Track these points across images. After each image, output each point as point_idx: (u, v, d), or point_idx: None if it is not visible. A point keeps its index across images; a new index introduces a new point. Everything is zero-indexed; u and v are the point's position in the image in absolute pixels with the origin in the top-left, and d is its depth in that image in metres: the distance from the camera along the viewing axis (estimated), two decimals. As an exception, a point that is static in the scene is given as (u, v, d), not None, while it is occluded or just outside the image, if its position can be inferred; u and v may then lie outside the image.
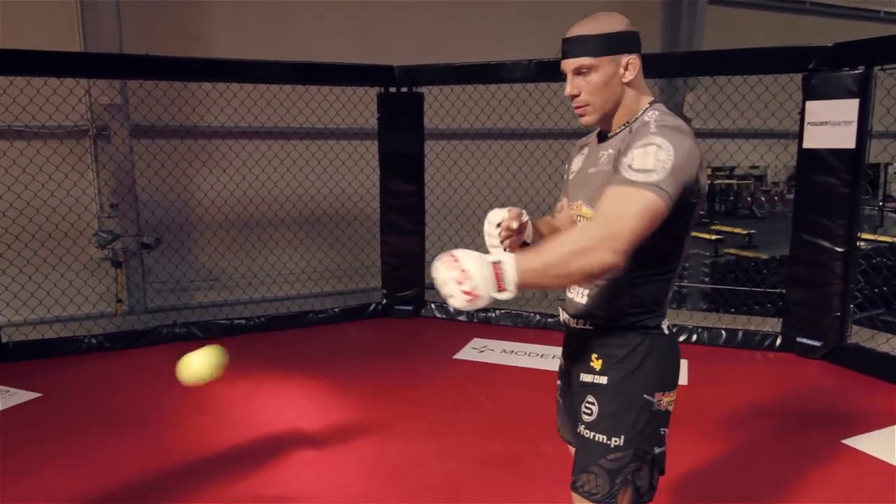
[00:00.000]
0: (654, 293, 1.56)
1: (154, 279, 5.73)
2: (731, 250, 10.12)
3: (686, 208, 1.46)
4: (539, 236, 1.74)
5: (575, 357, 1.67)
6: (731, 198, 16.39)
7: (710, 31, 7.13)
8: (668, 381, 1.60)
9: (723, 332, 4.57)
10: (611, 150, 1.54)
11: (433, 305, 5.37)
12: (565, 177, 1.78)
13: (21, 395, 3.75)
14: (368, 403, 3.65)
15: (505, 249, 1.63)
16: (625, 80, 1.51)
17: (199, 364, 1.93)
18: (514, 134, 5.91)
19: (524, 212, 1.68)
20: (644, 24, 6.57)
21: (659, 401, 1.57)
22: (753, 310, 6.79)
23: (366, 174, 5.55)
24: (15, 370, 4.15)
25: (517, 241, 1.66)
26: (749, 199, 16.05)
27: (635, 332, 1.57)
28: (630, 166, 1.37)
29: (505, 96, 5.40)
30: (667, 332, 1.61)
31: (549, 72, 4.35)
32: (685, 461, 2.91)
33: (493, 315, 5.16)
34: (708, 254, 7.82)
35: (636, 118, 1.53)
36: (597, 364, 1.60)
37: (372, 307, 5.37)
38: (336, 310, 5.27)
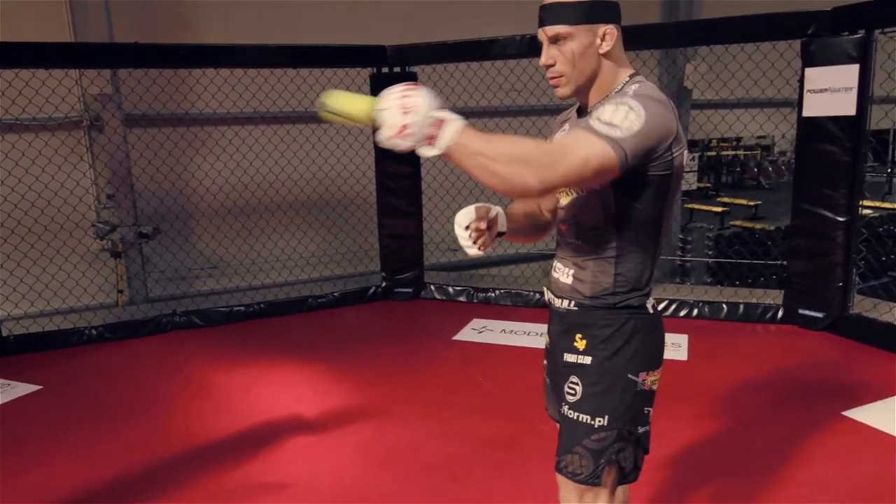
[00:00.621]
0: (637, 272, 1.53)
1: (154, 269, 5.73)
2: (737, 222, 10.05)
3: (661, 184, 1.43)
4: (517, 222, 1.70)
5: (559, 337, 1.65)
6: (738, 169, 16.22)
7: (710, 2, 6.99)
8: (653, 360, 1.58)
9: (724, 306, 4.53)
10: None
11: (433, 287, 5.35)
12: None
13: (22, 388, 3.77)
14: (367, 388, 3.65)
15: (479, 249, 1.59)
16: (601, 52, 1.46)
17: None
18: (508, 111, 5.84)
19: (492, 206, 1.64)
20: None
21: (643, 380, 1.55)
22: (759, 282, 6.75)
23: (360, 157, 5.50)
24: (16, 363, 4.17)
25: (491, 236, 1.63)
26: (756, 169, 15.89)
27: (619, 311, 1.54)
28: (598, 118, 1.34)
29: (499, 73, 5.32)
30: (651, 311, 1.58)
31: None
32: (684, 437, 2.90)
33: (493, 295, 5.13)
34: (712, 227, 7.74)
35: (615, 91, 1.48)
36: (580, 344, 1.58)
37: (371, 290, 5.36)
38: (336, 294, 5.26)
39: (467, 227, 1.59)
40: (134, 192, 5.43)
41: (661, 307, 4.61)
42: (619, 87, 1.48)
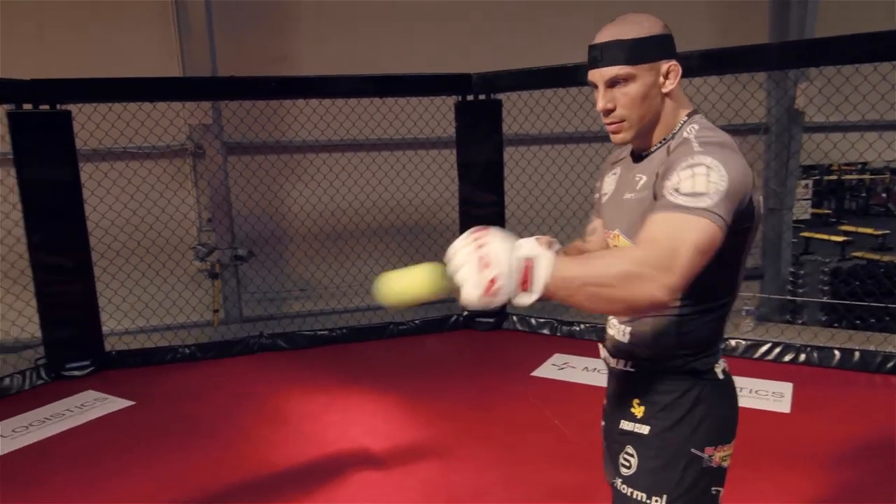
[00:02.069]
0: (704, 332, 1.35)
1: (248, 290, 5.96)
2: (860, 253, 9.17)
3: (740, 235, 1.26)
4: None
5: (616, 400, 1.49)
6: (864, 194, 14.92)
7: (825, 19, 6.45)
8: (723, 433, 1.38)
9: (836, 352, 4.08)
10: (648, 175, 1.33)
11: (515, 318, 5.20)
12: (597, 196, 1.59)
13: (117, 403, 3.98)
14: (438, 423, 3.56)
15: None
16: (665, 91, 1.31)
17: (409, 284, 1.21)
18: (596, 137, 5.63)
19: (555, 240, 1.46)
20: (749, 14, 6.09)
21: (710, 456, 1.36)
22: (882, 325, 6.07)
23: (444, 184, 5.47)
24: (115, 378, 4.42)
25: None
26: (884, 195, 14.56)
27: (683, 375, 1.37)
28: (677, 190, 1.17)
29: (587, 99, 5.14)
30: (721, 375, 1.40)
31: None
32: (775, 500, 2.59)
33: (578, 329, 4.91)
34: (828, 260, 7.07)
35: (674, 134, 1.33)
36: (638, 411, 1.41)
37: (453, 319, 5.29)
38: (417, 321, 5.22)
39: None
40: (231, 217, 5.68)
41: (762, 350, 4.24)
42: (677, 129, 1.33)
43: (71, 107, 4.39)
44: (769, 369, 4.10)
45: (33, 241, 4.31)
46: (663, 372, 1.38)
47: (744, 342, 4.34)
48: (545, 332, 5.07)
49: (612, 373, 1.51)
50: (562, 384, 4.05)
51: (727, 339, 4.38)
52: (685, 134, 1.30)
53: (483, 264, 1.03)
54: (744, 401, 3.74)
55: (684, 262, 1.10)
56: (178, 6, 5.45)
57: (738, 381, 4.16)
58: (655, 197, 1.26)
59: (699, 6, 6.01)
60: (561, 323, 5.01)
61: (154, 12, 5.45)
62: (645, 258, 1.10)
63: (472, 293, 1.03)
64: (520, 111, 5.18)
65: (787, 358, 4.19)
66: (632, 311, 1.19)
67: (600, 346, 1.55)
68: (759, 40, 6.15)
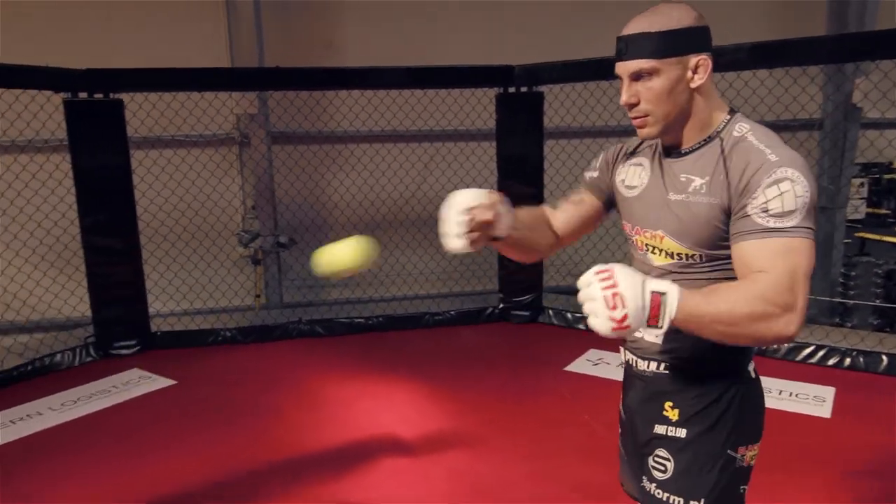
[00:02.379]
0: None
1: (290, 276, 6.08)
2: (919, 256, 8.76)
3: None
4: (521, 232, 1.44)
5: (642, 405, 1.46)
6: (927, 194, 14.25)
7: (889, 13, 6.17)
8: (753, 432, 1.37)
9: (883, 357, 3.93)
10: (700, 176, 1.28)
11: (551, 312, 5.17)
12: (595, 175, 1.55)
13: (159, 382, 4.13)
14: (468, 413, 3.58)
15: (465, 245, 1.33)
16: (693, 86, 1.27)
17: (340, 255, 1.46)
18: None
19: (504, 199, 1.38)
20: (806, 12, 5.88)
21: (742, 455, 1.35)
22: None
23: (483, 177, 5.47)
24: (160, 357, 4.58)
25: (485, 236, 1.35)
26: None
27: (719, 376, 1.35)
28: (766, 211, 1.17)
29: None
30: (753, 374, 1.38)
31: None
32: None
33: (614, 325, 4.85)
34: (882, 262, 6.78)
35: (718, 132, 1.29)
36: (672, 414, 1.39)
37: (489, 311, 5.29)
38: (452, 312, 5.25)
39: (466, 212, 1.31)
40: (275, 204, 5.80)
41: (805, 353, 4.13)
42: (722, 127, 1.29)
43: (123, 95, 4.54)
44: (812, 373, 3.98)
45: (85, 225, 4.49)
46: (701, 373, 1.35)
47: (786, 344, 4.22)
48: (581, 326, 5.01)
49: (638, 376, 1.47)
50: (595, 380, 4.02)
51: (769, 340, 4.26)
52: (735, 132, 1.26)
53: (613, 304, 1.08)
54: (783, 404, 3.67)
55: (802, 293, 1.15)
56: (229, -2, 5.59)
57: (778, 384, 4.07)
58: (730, 208, 1.23)
59: (755, 3, 5.85)
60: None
61: (206, 4, 5.59)
62: (766, 295, 1.13)
63: (601, 328, 1.10)
64: (561, 104, 5.13)
65: (832, 362, 4.06)
66: (757, 345, 1.24)
67: (622, 349, 1.51)
68: (817, 30, 5.94)
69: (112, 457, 3.17)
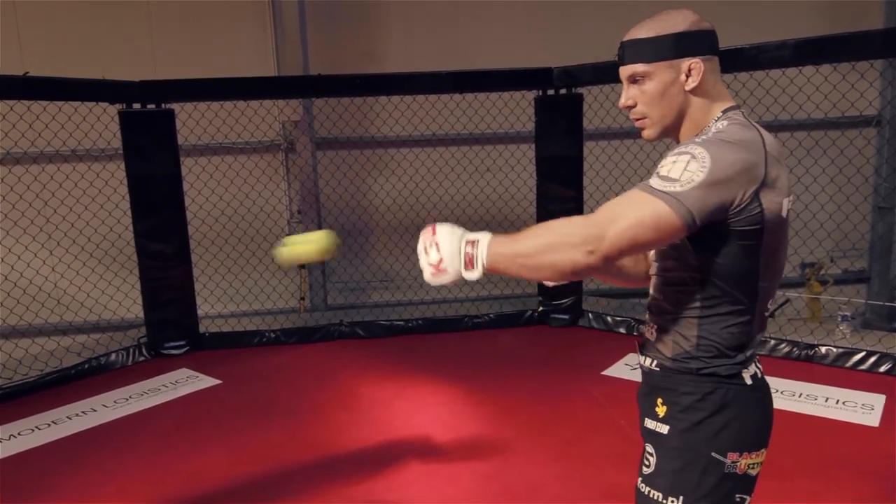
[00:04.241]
0: (724, 337, 1.32)
1: (333, 279, 6.21)
2: None
3: (750, 238, 1.23)
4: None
5: (643, 399, 1.48)
6: None
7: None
8: (749, 440, 1.34)
9: (941, 365, 3.75)
10: None
11: (591, 315, 5.12)
12: None
13: (206, 381, 4.29)
14: (501, 416, 3.59)
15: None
16: (687, 88, 1.30)
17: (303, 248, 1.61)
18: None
19: None
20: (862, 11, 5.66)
21: (734, 462, 1.32)
22: None
23: (522, 179, 5.47)
24: (207, 358, 4.75)
25: None
26: None
27: (704, 378, 1.34)
28: (657, 173, 1.21)
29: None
30: (750, 381, 1.35)
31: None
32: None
33: (656, 329, 4.77)
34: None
35: (705, 129, 1.31)
36: (661, 410, 1.39)
37: (528, 314, 5.28)
38: (491, 315, 5.26)
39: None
40: (319, 209, 5.94)
41: (856, 359, 3.97)
42: (711, 125, 1.31)
43: (174, 105, 4.74)
44: (862, 379, 3.83)
45: (138, 230, 4.71)
46: (686, 373, 1.35)
47: (835, 350, 4.07)
48: (621, 330, 4.96)
49: (643, 371, 1.50)
50: (633, 384, 3.90)
51: (818, 345, 4.12)
52: (713, 129, 1.28)
53: (428, 251, 1.27)
54: (829, 412, 3.55)
55: (617, 232, 1.16)
56: (275, 8, 5.76)
57: (826, 391, 3.93)
58: None
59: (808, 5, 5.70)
60: (638, 322, 4.88)
61: (252, 14, 5.78)
62: (573, 227, 1.20)
63: (426, 274, 1.29)
64: (601, 105, 5.08)
65: (883, 368, 3.89)
66: (559, 277, 1.24)
67: (637, 343, 1.54)
68: (873, 22, 5.73)
69: (156, 452, 3.31)
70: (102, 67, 4.45)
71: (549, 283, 1.42)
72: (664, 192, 1.17)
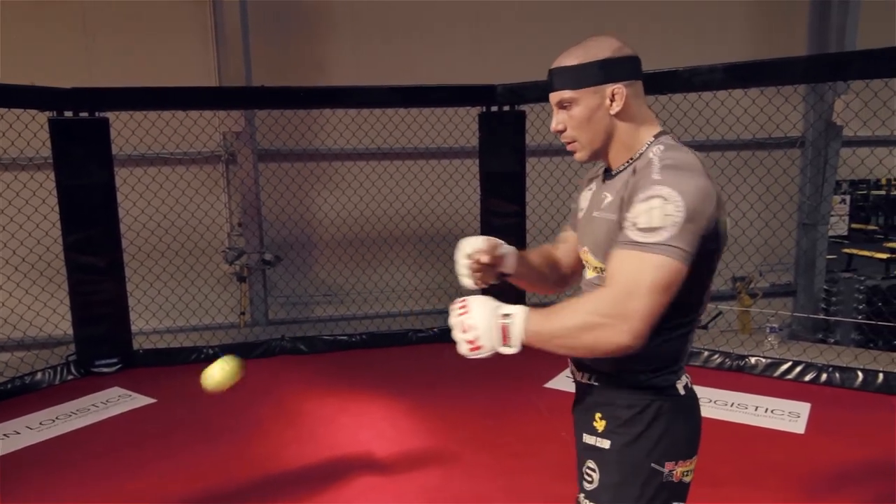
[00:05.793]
0: (665, 350, 1.36)
1: (276, 293, 6.09)
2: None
3: (704, 256, 1.27)
4: (528, 268, 1.59)
5: (580, 414, 1.51)
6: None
7: (868, 27, 6.30)
8: (683, 448, 1.39)
9: (859, 373, 3.97)
10: (613, 195, 1.36)
11: (534, 329, 5.19)
12: (573, 208, 1.62)
13: (139, 400, 4.13)
14: (445, 430, 3.59)
15: (475, 282, 1.52)
16: (612, 112, 1.35)
17: (218, 374, 2.12)
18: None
19: (502, 243, 1.56)
20: (790, 23, 6.00)
21: (671, 471, 1.37)
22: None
23: (466, 194, 5.52)
24: (141, 375, 4.58)
25: (490, 274, 1.54)
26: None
27: (643, 391, 1.38)
28: (635, 224, 1.23)
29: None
30: (682, 391, 1.40)
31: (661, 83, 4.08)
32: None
33: (596, 341, 4.88)
34: (863, 278, 6.85)
35: (640, 154, 1.35)
36: (600, 425, 1.43)
37: (472, 328, 5.30)
38: (435, 329, 5.26)
39: (469, 256, 1.51)
40: (261, 222, 5.83)
41: (783, 369, 4.15)
42: (644, 150, 1.35)
43: (109, 114, 4.58)
44: (788, 388, 4.01)
45: (69, 242, 4.51)
46: (624, 387, 1.39)
47: (764, 360, 4.25)
48: (563, 343, 5.04)
49: (578, 386, 1.53)
50: (574, 396, 4.02)
51: (748, 356, 4.30)
52: (650, 155, 1.32)
53: (464, 328, 1.26)
54: (757, 420, 3.70)
55: (642, 306, 1.18)
56: (216, 15, 5.65)
57: (754, 400, 4.10)
58: (621, 223, 1.28)
59: (737, 16, 6.00)
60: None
61: (193, 22, 5.66)
62: (600, 306, 1.21)
63: (461, 350, 1.29)
64: (543, 122, 5.19)
65: (808, 377, 4.09)
66: (604, 356, 1.25)
67: (569, 359, 1.56)
68: (798, 49, 6.07)
69: (88, 476, 3.15)
70: (33, 73, 4.27)
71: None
72: (657, 244, 1.19)
